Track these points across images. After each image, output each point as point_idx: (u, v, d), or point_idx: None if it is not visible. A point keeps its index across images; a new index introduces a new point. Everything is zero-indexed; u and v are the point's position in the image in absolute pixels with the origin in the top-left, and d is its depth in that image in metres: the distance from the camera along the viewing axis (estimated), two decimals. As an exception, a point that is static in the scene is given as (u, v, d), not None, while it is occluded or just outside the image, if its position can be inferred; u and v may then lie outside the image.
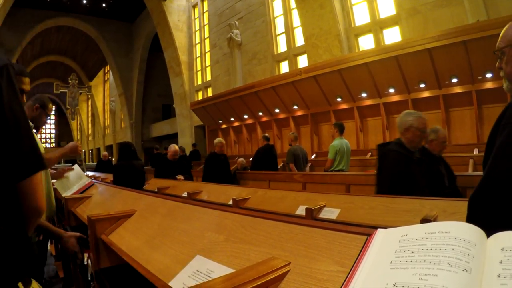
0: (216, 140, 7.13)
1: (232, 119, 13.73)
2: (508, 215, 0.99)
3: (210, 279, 0.87)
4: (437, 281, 0.54)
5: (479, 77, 6.97)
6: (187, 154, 13.35)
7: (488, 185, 1.09)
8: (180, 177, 6.05)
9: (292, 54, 12.18)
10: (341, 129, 5.95)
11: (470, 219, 1.13)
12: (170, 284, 1.05)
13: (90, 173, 9.48)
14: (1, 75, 0.90)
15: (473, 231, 0.63)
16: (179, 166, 6.48)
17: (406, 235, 0.68)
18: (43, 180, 2.15)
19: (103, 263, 1.74)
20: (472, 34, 6.40)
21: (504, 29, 1.30)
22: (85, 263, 2.12)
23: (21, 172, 0.90)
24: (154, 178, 6.26)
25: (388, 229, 0.74)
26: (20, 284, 0.86)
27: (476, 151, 6.45)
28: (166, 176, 6.02)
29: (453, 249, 0.59)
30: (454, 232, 0.63)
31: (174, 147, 6.54)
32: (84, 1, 21.91)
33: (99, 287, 1.64)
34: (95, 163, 24.14)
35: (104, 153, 13.38)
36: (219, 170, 6.68)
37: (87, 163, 24.59)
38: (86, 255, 2.15)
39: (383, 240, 0.72)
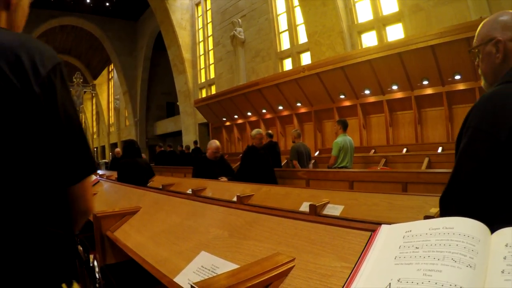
0: (254, 132, 5.88)
1: (236, 116, 13.72)
2: (475, 213, 1.03)
3: (215, 274, 0.87)
4: (441, 276, 0.55)
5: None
6: (190, 151, 13.37)
7: (454, 186, 1.14)
8: (224, 179, 4.98)
9: (295, 52, 12.14)
10: (344, 126, 5.94)
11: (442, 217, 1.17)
12: (175, 280, 1.06)
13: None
14: (55, 75, 0.85)
15: (477, 227, 0.63)
16: (221, 166, 5.38)
17: (410, 231, 0.69)
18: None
19: (108, 259, 1.75)
20: (475, 31, 6.28)
21: (479, 27, 1.35)
22: (91, 264, 2.13)
23: (73, 176, 0.88)
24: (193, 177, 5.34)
25: (392, 225, 0.75)
26: (64, 285, 0.86)
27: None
28: (205, 176, 4.97)
29: (457, 245, 0.59)
30: (458, 228, 0.63)
31: (215, 143, 5.34)
32: (88, 0, 21.92)
33: (104, 283, 1.65)
34: (102, 160, 24.25)
35: (116, 149, 12.73)
36: (258, 167, 5.48)
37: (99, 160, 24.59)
38: (91, 256, 2.16)
39: (387, 236, 0.72)
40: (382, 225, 0.76)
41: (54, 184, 0.85)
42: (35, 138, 0.80)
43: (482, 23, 1.34)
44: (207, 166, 5.24)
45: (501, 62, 1.25)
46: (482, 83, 1.36)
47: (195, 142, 14.86)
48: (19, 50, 0.80)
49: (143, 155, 9.22)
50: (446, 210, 1.17)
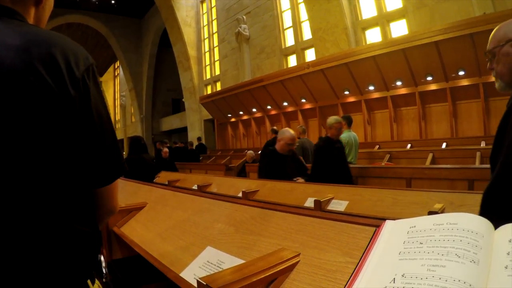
0: (332, 120, 4.46)
1: (241, 112, 13.73)
2: None
3: (220, 269, 0.88)
4: (445, 272, 0.55)
5: (486, 70, 6.89)
6: (193, 147, 13.35)
7: (503, 181, 1.08)
8: (301, 180, 3.85)
9: (299, 48, 12.09)
10: (349, 122, 5.93)
11: (483, 214, 1.11)
12: (181, 275, 1.07)
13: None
14: (88, 76, 0.84)
15: (481, 223, 0.63)
16: (294, 163, 4.22)
17: (415, 226, 0.69)
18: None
19: (115, 254, 1.77)
20: (479, 26, 6.32)
21: (493, 31, 1.32)
22: (98, 259, 2.14)
23: (104, 178, 0.89)
24: (259, 178, 4.19)
25: (396, 221, 0.75)
26: (88, 282, 0.87)
27: (483, 144, 6.39)
28: (276, 176, 3.82)
29: (461, 241, 0.60)
30: (462, 224, 0.63)
31: (289, 132, 4.13)
32: (93, -2, 21.97)
33: (111, 278, 1.67)
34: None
35: (164, 149, 9.88)
36: (335, 163, 4.32)
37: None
38: None
39: (392, 232, 0.73)
40: (387, 220, 0.77)
41: (84, 185, 0.85)
42: (68, 140, 0.79)
43: (497, 26, 1.32)
44: (279, 162, 4.05)
45: None
46: (497, 84, 1.33)
47: (199, 139, 14.88)
48: (54, 50, 0.79)
49: (171, 145, 8.91)
50: (490, 206, 1.12)
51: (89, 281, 0.87)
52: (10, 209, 0.73)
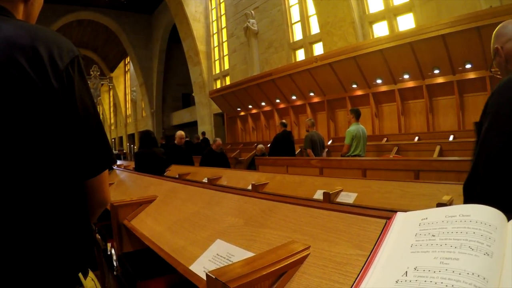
0: None
1: (250, 106, 13.76)
2: (498, 195, 1.08)
3: (230, 263, 0.88)
4: (459, 265, 0.54)
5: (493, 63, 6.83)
6: (200, 142, 13.30)
7: (476, 172, 1.16)
8: None
9: (307, 42, 12.08)
10: (357, 115, 5.93)
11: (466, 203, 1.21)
12: (191, 268, 1.07)
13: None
14: (73, 68, 0.85)
15: (494, 215, 0.62)
16: None
17: (426, 218, 0.68)
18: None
19: (125, 247, 1.78)
20: (485, 20, 6.27)
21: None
22: (109, 252, 2.17)
23: (91, 170, 0.88)
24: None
25: (407, 213, 0.74)
26: (80, 275, 0.87)
27: (490, 136, 6.37)
28: None
29: (474, 233, 0.59)
30: (475, 216, 0.62)
31: None
32: (103, -6, 22.06)
33: (122, 271, 1.68)
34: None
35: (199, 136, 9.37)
36: None
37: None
38: (109, 244, 2.19)
39: (403, 224, 0.72)
40: (398, 212, 0.76)
41: (72, 177, 0.85)
42: (53, 133, 0.80)
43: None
44: None
45: (506, 63, 1.36)
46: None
47: (203, 133, 14.96)
48: (37, 44, 0.79)
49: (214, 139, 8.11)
50: (469, 196, 1.17)
51: (80, 275, 0.87)
52: None
